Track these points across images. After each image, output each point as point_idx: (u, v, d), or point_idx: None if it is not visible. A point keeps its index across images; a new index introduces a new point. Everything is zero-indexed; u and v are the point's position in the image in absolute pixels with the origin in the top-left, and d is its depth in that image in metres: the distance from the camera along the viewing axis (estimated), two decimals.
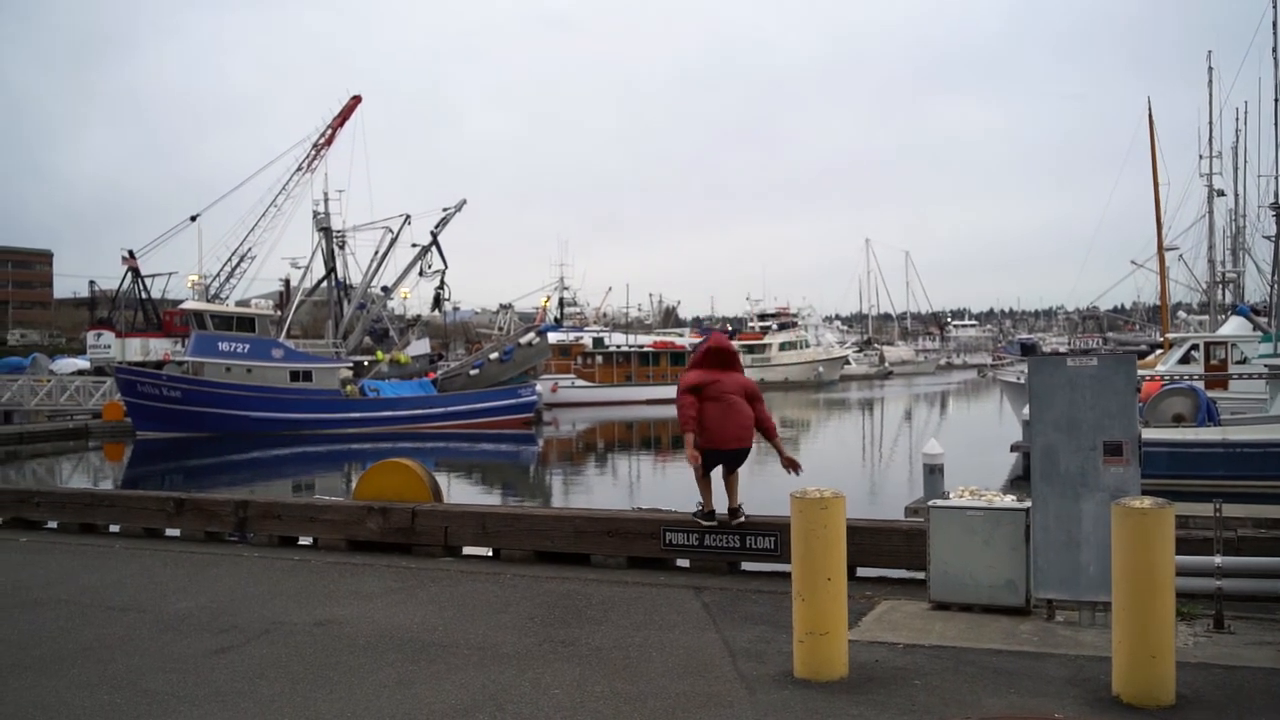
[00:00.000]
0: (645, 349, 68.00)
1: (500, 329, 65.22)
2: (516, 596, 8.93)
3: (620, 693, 6.18)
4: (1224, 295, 46.00)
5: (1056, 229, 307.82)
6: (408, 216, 50.47)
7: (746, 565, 9.81)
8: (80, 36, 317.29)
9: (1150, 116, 45.30)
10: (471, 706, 6.03)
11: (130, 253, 66.30)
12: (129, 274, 67.41)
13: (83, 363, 60.34)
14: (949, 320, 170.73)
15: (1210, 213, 44.98)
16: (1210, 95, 44.26)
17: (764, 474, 28.04)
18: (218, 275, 64.13)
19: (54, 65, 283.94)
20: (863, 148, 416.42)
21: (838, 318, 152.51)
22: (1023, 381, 28.68)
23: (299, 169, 58.71)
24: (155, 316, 68.17)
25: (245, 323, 43.38)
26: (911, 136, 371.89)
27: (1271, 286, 33.36)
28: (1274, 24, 33.60)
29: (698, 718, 5.75)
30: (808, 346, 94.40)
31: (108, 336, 63.16)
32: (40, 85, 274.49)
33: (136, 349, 60.81)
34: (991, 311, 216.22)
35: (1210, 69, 44.41)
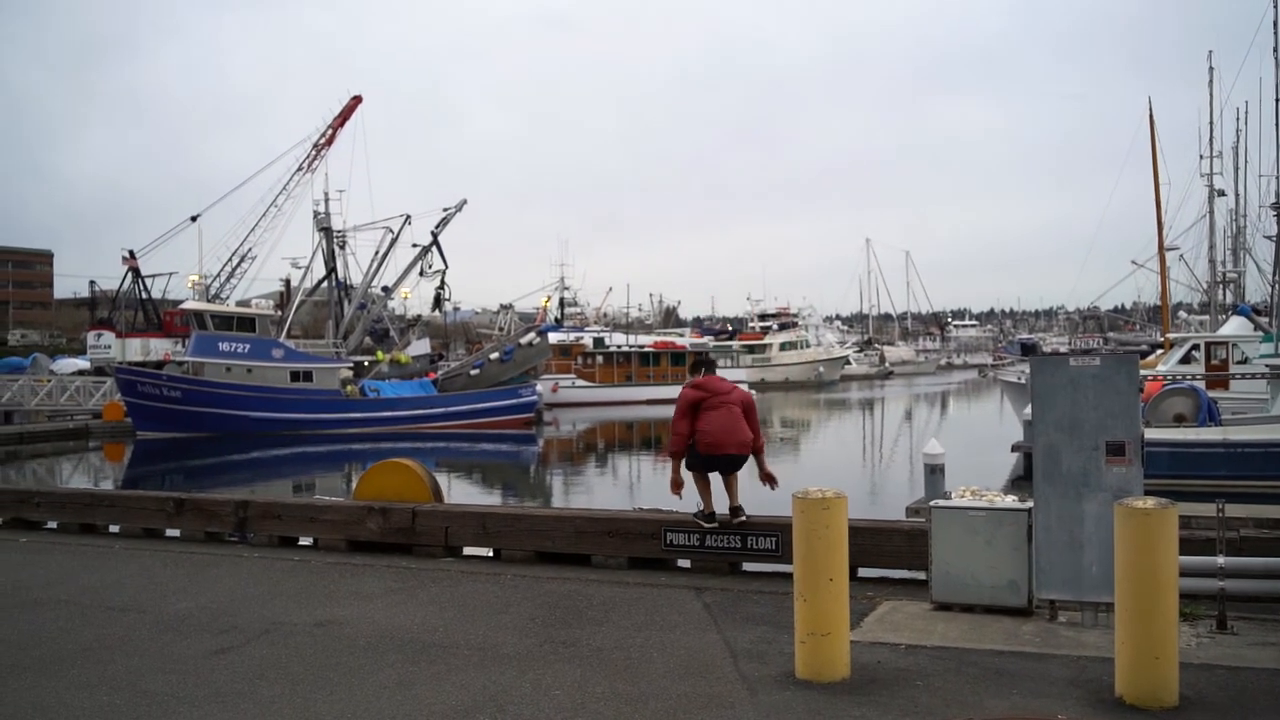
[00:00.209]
0: (646, 349, 68.00)
1: (500, 329, 65.20)
2: (517, 597, 8.91)
3: (621, 694, 6.16)
4: (1225, 295, 45.99)
5: (1057, 229, 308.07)
6: (408, 216, 50.52)
7: (747, 566, 9.78)
8: (81, 36, 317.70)
9: (1151, 116, 45.29)
10: (472, 707, 6.01)
11: (130, 253, 66.30)
12: (129, 274, 67.39)
13: (83, 363, 60.32)
14: (949, 320, 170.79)
15: (1211, 213, 44.98)
16: (1211, 95, 44.25)
17: None
18: (218, 275, 64.16)
19: (54, 65, 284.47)
20: (863, 148, 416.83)
21: (838, 318, 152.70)
22: (1023, 381, 28.68)
23: (299, 169, 58.70)
24: (155, 317, 68.15)
25: (245, 323, 43.37)
26: (912, 136, 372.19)
27: (1273, 286, 33.33)
28: (1274, 23, 33.51)
29: (699, 719, 5.73)
30: (808, 346, 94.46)
31: (108, 337, 63.14)
32: (41, 85, 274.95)
33: (137, 349, 60.79)
34: (992, 311, 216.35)
35: (1210, 69, 44.40)
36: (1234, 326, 30.80)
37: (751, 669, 6.57)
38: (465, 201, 51.79)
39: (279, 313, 51.32)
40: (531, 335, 50.00)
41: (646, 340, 73.30)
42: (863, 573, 9.12)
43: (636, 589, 9.07)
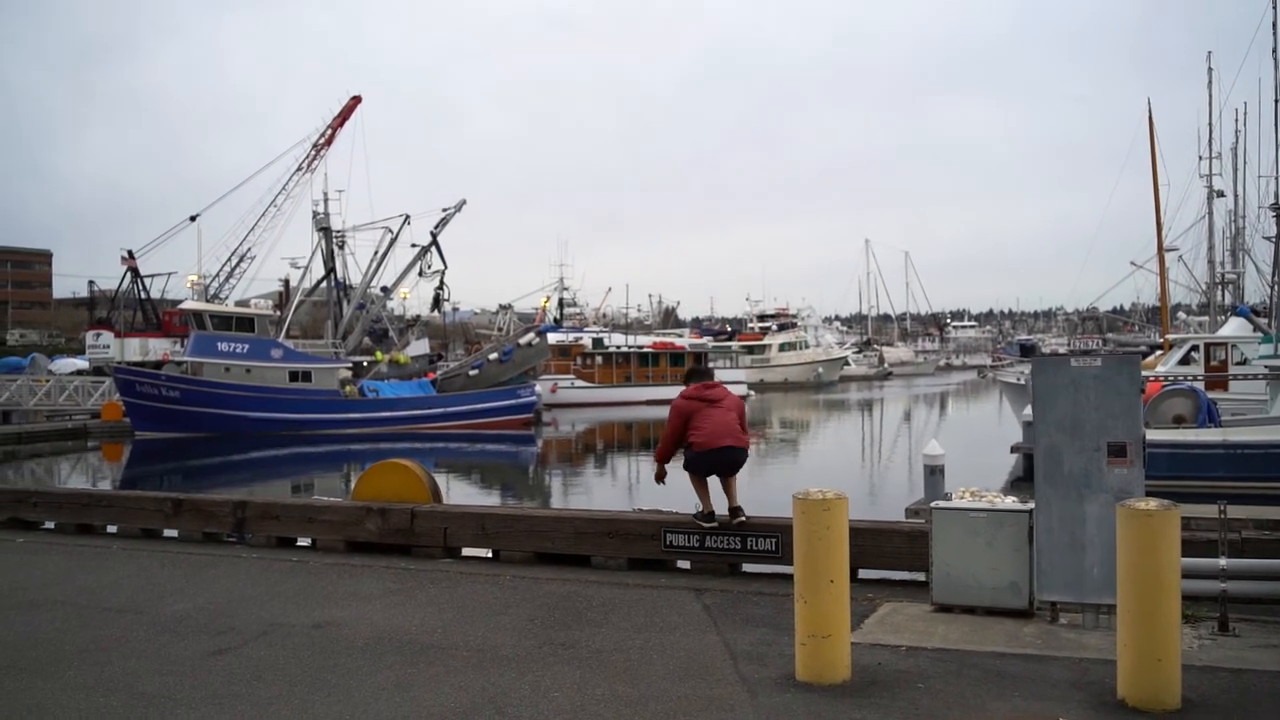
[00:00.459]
0: (645, 349, 67.95)
1: (500, 329, 65.18)
2: (516, 598, 8.88)
3: (621, 696, 6.13)
4: (1223, 296, 45.99)
5: (1057, 230, 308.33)
6: (407, 217, 50.51)
7: (747, 567, 9.76)
8: (81, 37, 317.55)
9: (1150, 117, 45.29)
10: (471, 709, 5.98)
11: (129, 253, 66.25)
12: (128, 274, 67.36)
13: (81, 363, 60.30)
14: (948, 321, 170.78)
15: (1210, 213, 45.01)
16: (1210, 96, 44.29)
17: (764, 475, 28.02)
18: (217, 275, 64.12)
19: (54, 65, 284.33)
20: (863, 148, 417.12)
21: (837, 318, 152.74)
22: (1023, 382, 28.70)
23: (299, 169, 58.68)
24: (154, 316, 68.13)
25: (244, 323, 43.34)
26: (912, 137, 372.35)
27: (1272, 287, 33.32)
28: (1274, 25, 33.55)
29: None
30: (807, 347, 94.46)
31: (107, 336, 63.10)
32: (40, 85, 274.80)
33: (135, 349, 60.75)
34: (991, 312, 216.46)
35: (1209, 70, 44.43)
36: (1233, 327, 30.79)
37: (751, 671, 6.54)
38: (464, 202, 51.82)
39: (278, 313, 51.36)
40: (530, 336, 49.98)
41: (645, 341, 73.24)
42: (863, 574, 9.08)
43: (636, 590, 9.04)
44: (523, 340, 49.08)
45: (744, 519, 9.48)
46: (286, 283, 64.32)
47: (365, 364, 49.97)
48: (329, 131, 58.29)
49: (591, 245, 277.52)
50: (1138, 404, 7.36)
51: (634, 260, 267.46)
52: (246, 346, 42.04)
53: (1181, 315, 57.40)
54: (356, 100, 59.09)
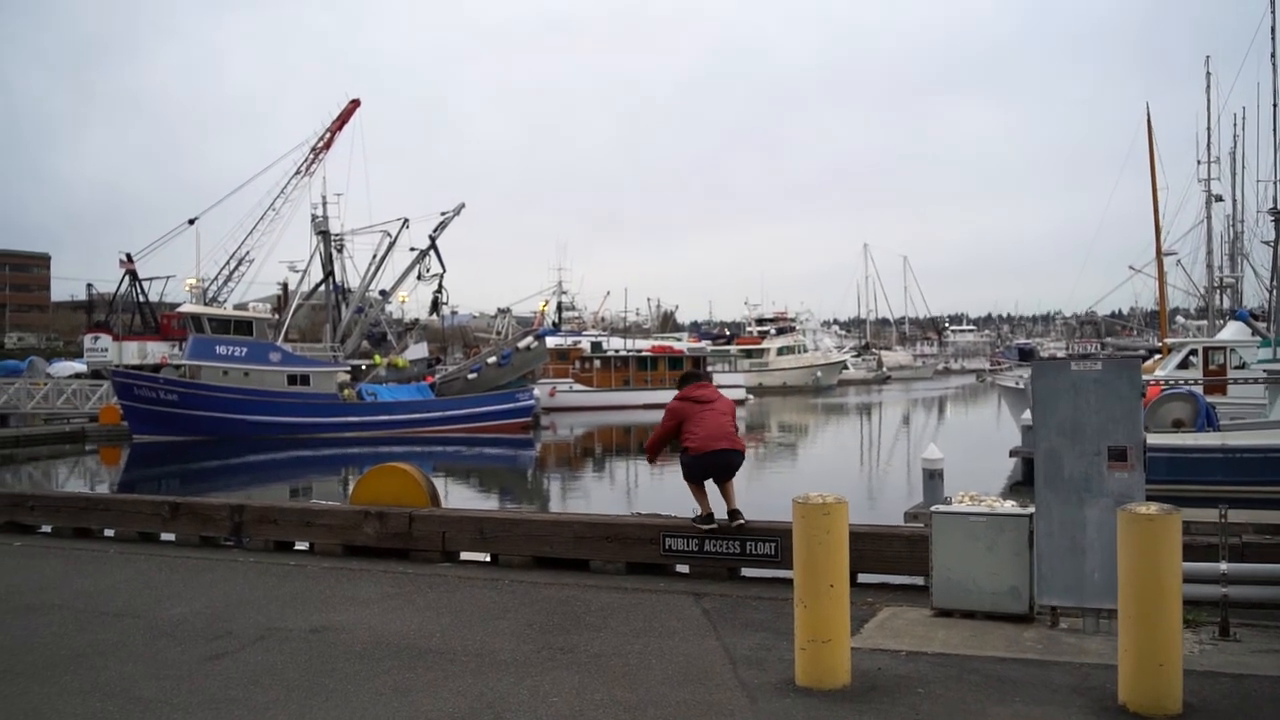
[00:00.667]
0: (643, 353, 67.94)
1: (498, 333, 65.09)
2: (515, 602, 8.85)
3: (620, 701, 6.10)
4: (1222, 301, 46.01)
5: (1056, 234, 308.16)
6: (406, 220, 50.52)
7: (746, 571, 9.72)
8: (80, 38, 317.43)
9: (1149, 122, 45.33)
10: (469, 714, 5.95)
11: (128, 256, 66.27)
12: (127, 277, 67.37)
13: (80, 366, 60.33)
14: (947, 325, 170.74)
15: (1208, 218, 45.01)
16: (1208, 100, 44.32)
17: (763, 479, 27.99)
18: (215, 278, 64.03)
19: (54, 66, 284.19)
20: (863, 151, 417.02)
21: (835, 322, 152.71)
22: (1021, 386, 28.70)
23: (297, 172, 58.64)
24: (153, 320, 68.10)
25: (243, 326, 43.35)
26: (912, 140, 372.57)
27: (1270, 292, 33.36)
28: (1272, 29, 33.60)
29: None
30: (806, 351, 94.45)
31: (105, 339, 63.07)
32: (40, 87, 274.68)
33: (134, 352, 60.69)
34: (989, 316, 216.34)
35: (1208, 74, 44.45)
36: (1232, 331, 30.77)
37: (751, 676, 6.52)
38: (463, 205, 51.83)
39: (276, 316, 51.31)
40: (529, 339, 49.97)
41: (644, 345, 73.20)
42: (862, 578, 9.06)
43: (635, 594, 9.01)
44: (521, 344, 49.06)
45: (743, 522, 9.47)
46: (285, 286, 64.26)
47: (364, 367, 49.95)
48: (328, 135, 58.29)
49: (590, 249, 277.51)
50: (1138, 408, 7.34)
51: (633, 264, 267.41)
52: (245, 350, 42.04)
53: (1180, 319, 57.43)
54: (355, 104, 59.10)
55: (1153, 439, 17.62)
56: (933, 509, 8.19)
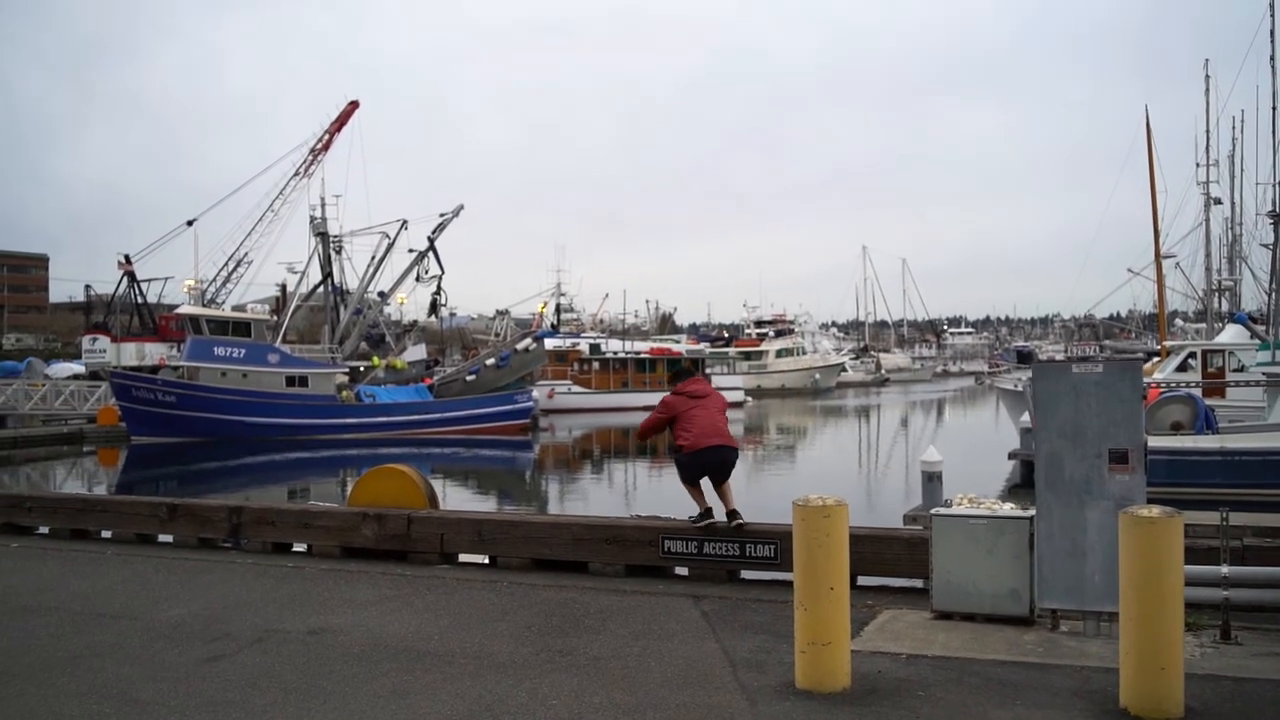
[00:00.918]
0: (642, 355, 67.92)
1: (497, 335, 65.07)
2: (513, 605, 8.83)
3: (619, 703, 6.08)
4: (1220, 303, 46.04)
5: (1055, 236, 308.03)
6: (405, 222, 50.48)
7: (746, 573, 9.70)
8: (79, 38, 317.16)
9: (1148, 124, 45.25)
10: (467, 717, 5.93)
11: (126, 257, 66.13)
12: (125, 278, 67.25)
13: (78, 367, 60.28)
14: (945, 328, 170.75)
15: (1207, 221, 45.06)
16: (1207, 103, 44.36)
17: (761, 482, 27.97)
18: (214, 280, 63.93)
19: (53, 67, 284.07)
20: (862, 154, 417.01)
21: (834, 324, 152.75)
22: (1020, 389, 28.66)
23: (296, 174, 58.54)
24: (151, 321, 67.99)
25: (241, 327, 43.32)
26: (911, 143, 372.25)
27: (1269, 294, 33.35)
28: (1271, 32, 33.64)
29: None
30: (804, 353, 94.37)
31: (103, 341, 63.00)
32: (39, 87, 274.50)
33: (132, 353, 60.55)
34: (988, 319, 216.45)
35: (1207, 77, 44.50)
36: (1231, 334, 30.78)
37: (751, 679, 6.50)
38: (462, 207, 51.80)
39: (275, 318, 51.26)
40: (528, 341, 49.98)
41: (642, 346, 73.18)
42: (862, 581, 9.03)
43: (634, 597, 8.99)
44: (520, 346, 49.07)
45: (741, 522, 9.46)
46: (283, 287, 64.25)
47: (362, 369, 49.93)
48: (327, 136, 58.24)
49: (589, 250, 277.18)
50: (1139, 410, 7.32)
51: (632, 265, 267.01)
52: (243, 351, 42.00)
53: (1179, 322, 57.47)
54: (354, 105, 59.06)
55: (1152, 441, 17.60)
56: (933, 512, 8.17)
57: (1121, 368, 7.50)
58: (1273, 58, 33.14)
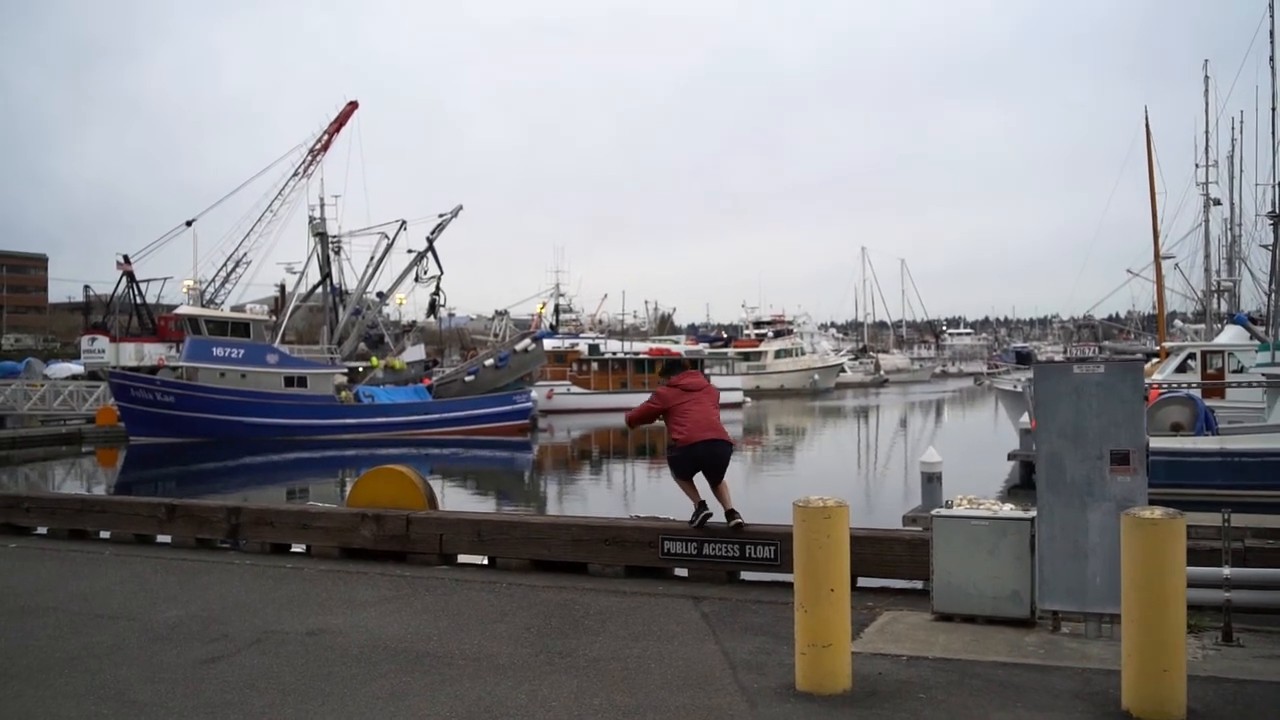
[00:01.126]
0: (640, 356, 67.89)
1: (496, 335, 65.12)
2: (513, 606, 8.80)
3: (619, 705, 6.05)
4: (1219, 304, 46.04)
5: (1054, 236, 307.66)
6: (403, 222, 50.50)
7: (746, 575, 9.68)
8: (78, 40, 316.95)
9: (1147, 125, 45.23)
10: (467, 719, 5.90)
11: (125, 257, 66.21)
12: (124, 279, 67.29)
13: (77, 367, 60.25)
14: (944, 328, 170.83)
15: (1206, 221, 45.07)
16: (1206, 104, 44.36)
17: (761, 483, 27.95)
18: (213, 280, 63.93)
19: (52, 69, 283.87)
20: (862, 154, 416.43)
21: (833, 325, 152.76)
22: (1019, 390, 28.65)
23: (295, 174, 58.56)
24: (150, 321, 68.04)
25: (240, 328, 43.29)
26: (911, 144, 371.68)
27: (1269, 295, 33.34)
28: (1271, 33, 33.63)
29: None
30: (803, 354, 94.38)
31: (102, 341, 63.02)
32: (37, 88, 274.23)
33: (131, 354, 60.62)
34: (987, 320, 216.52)
35: (1206, 77, 44.50)
36: (1230, 335, 30.78)
37: (751, 680, 6.47)
38: (461, 207, 51.82)
39: (274, 318, 51.24)
40: (526, 342, 49.99)
41: (641, 347, 73.18)
42: (862, 582, 9.00)
43: (634, 598, 8.97)
44: (519, 346, 49.08)
45: (740, 521, 9.44)
46: (282, 288, 64.25)
47: (361, 369, 49.94)
48: (326, 137, 58.26)
49: (588, 251, 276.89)
50: (1141, 411, 7.30)
51: (631, 266, 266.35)
52: (242, 351, 41.98)
53: (1178, 323, 57.46)
54: (353, 105, 59.09)
55: (1151, 443, 17.65)
56: (934, 513, 8.15)
57: (1123, 368, 7.48)
58: (1272, 58, 33.14)
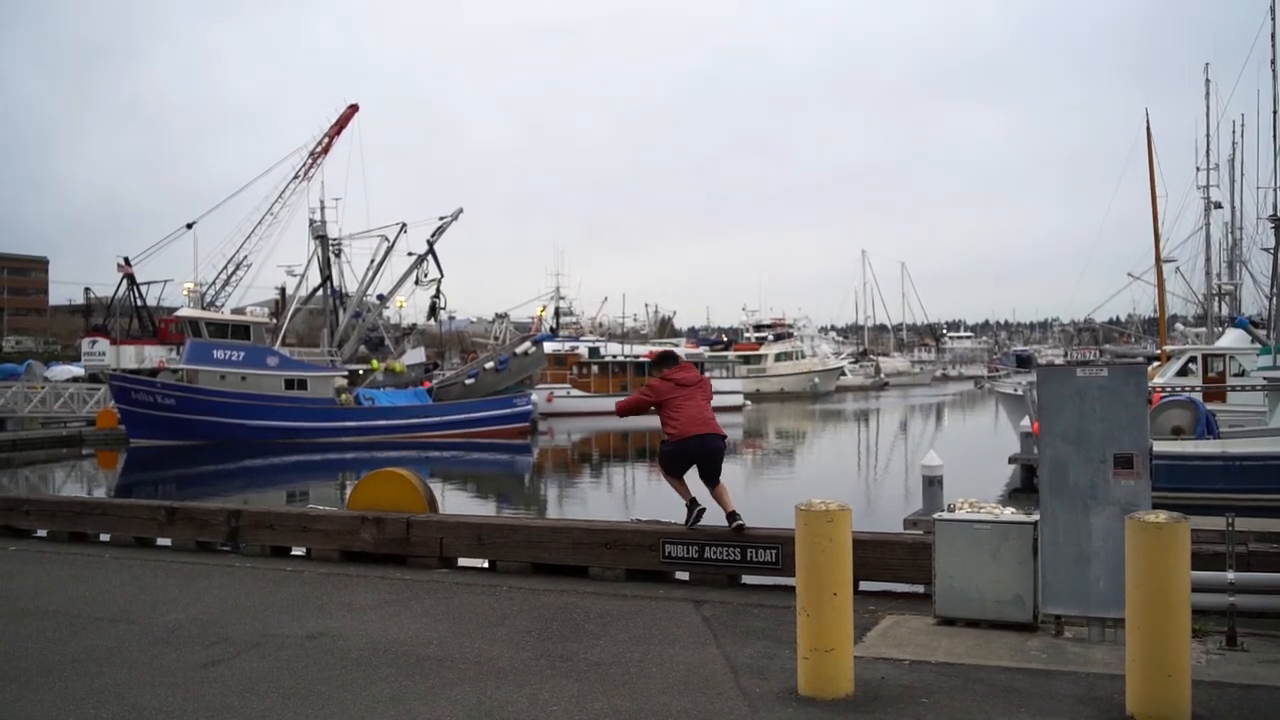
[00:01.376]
0: (641, 359, 67.86)
1: (496, 338, 65.09)
2: (513, 609, 8.78)
3: (620, 709, 6.03)
4: (1220, 308, 46.01)
5: (1055, 239, 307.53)
6: (404, 225, 50.52)
7: (747, 578, 9.66)
8: (78, 43, 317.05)
9: (1148, 128, 45.19)
10: None
11: (126, 259, 66.22)
12: (125, 281, 67.32)
13: (77, 369, 60.24)
14: (944, 332, 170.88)
15: (1207, 225, 45.10)
16: (1207, 107, 44.41)
17: (761, 486, 27.93)
18: (213, 283, 64.02)
19: (53, 72, 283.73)
20: (862, 157, 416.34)
21: (833, 328, 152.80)
22: (1020, 393, 28.61)
23: (296, 177, 58.68)
24: (151, 324, 68.02)
25: (240, 330, 43.28)
26: (912, 146, 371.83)
27: (1270, 299, 33.34)
28: (1272, 36, 33.67)
29: None
30: (803, 357, 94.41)
31: (103, 343, 63.02)
32: (38, 91, 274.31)
33: (131, 356, 60.57)
34: (987, 323, 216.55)
35: (1207, 81, 44.55)
36: (1231, 339, 30.74)
37: (752, 685, 6.44)
38: (461, 210, 51.81)
39: (274, 321, 51.26)
40: (527, 345, 49.96)
41: (641, 350, 73.18)
42: (863, 586, 8.97)
43: (634, 601, 8.94)
44: (519, 349, 49.04)
45: (741, 523, 9.41)
46: (283, 291, 64.31)
47: (361, 372, 49.92)
48: (326, 140, 58.34)
49: (589, 254, 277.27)
50: (1144, 415, 7.27)
51: (631, 269, 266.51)
52: (242, 354, 41.97)
53: (1179, 326, 57.44)
54: (354, 109, 59.17)
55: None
56: (936, 516, 8.13)
57: (1126, 372, 7.45)
58: (1273, 62, 33.22)
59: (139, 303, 68.42)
